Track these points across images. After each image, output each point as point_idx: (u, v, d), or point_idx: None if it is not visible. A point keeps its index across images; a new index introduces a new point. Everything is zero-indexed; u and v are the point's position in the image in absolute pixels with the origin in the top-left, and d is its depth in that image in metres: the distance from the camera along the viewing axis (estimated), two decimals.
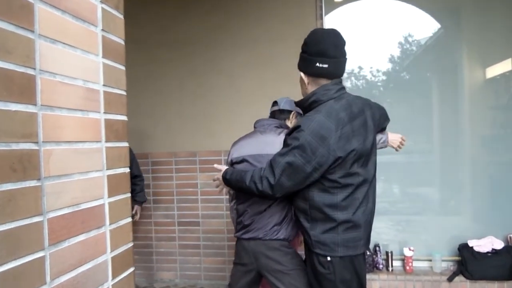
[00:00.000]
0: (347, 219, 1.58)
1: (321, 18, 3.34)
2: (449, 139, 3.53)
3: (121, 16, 1.03)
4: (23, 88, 0.70)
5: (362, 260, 1.69)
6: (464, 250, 3.17)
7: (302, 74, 1.68)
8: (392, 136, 1.98)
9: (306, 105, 1.67)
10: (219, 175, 1.82)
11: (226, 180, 1.77)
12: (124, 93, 1.04)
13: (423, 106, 3.58)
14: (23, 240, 0.68)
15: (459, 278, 3.12)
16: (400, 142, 2.00)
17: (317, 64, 1.59)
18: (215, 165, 1.90)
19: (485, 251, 3.11)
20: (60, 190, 0.78)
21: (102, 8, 0.94)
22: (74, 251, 0.82)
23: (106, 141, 0.94)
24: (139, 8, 3.65)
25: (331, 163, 1.52)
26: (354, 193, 1.59)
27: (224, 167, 1.84)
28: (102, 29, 0.93)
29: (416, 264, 3.31)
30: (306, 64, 1.65)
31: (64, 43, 0.80)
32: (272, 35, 3.44)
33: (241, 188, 1.71)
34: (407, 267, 3.24)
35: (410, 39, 3.62)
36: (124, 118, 1.03)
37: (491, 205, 3.41)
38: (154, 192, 3.65)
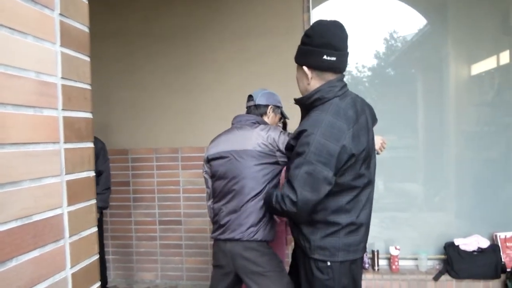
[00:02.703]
0: (350, 222, 1.50)
1: (308, 11, 3.24)
2: (434, 135, 3.51)
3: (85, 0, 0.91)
4: None
5: (360, 264, 1.64)
6: (450, 248, 3.14)
7: (305, 68, 1.54)
8: (375, 138, 1.90)
9: (308, 103, 1.55)
10: None
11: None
12: (89, 87, 0.92)
13: (408, 102, 3.55)
14: None
15: (445, 277, 3.10)
16: (381, 144, 1.91)
17: (325, 57, 1.47)
18: None
19: (471, 250, 3.09)
20: (5, 201, 0.66)
21: None
22: (24, 270, 0.70)
23: (65, 141, 0.82)
24: None
25: (345, 161, 1.43)
26: (359, 195, 1.52)
27: None
28: (60, 14, 0.81)
29: (402, 263, 3.27)
30: (311, 57, 1.51)
31: (10, 28, 0.68)
32: (258, 28, 3.33)
33: (271, 209, 1.67)
34: (393, 266, 3.20)
35: (396, 35, 3.57)
36: (89, 115, 0.92)
37: (477, 203, 3.39)
38: (134, 190, 3.51)
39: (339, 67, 1.52)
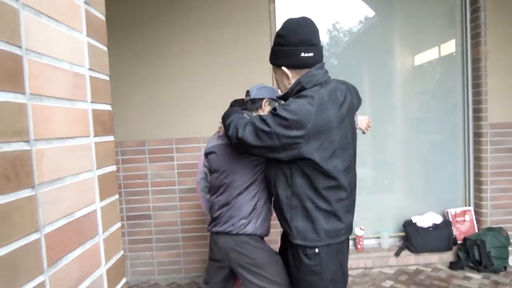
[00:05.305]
0: (327, 209, 1.54)
1: (273, 2, 3.27)
2: (381, 121, 3.62)
3: None
4: (10, 73, 0.54)
5: (346, 250, 1.68)
6: (409, 226, 3.39)
7: (285, 68, 1.55)
8: (361, 118, 1.93)
9: (292, 95, 1.56)
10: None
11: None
12: (108, 78, 0.89)
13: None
14: (20, 266, 0.54)
15: (405, 252, 3.35)
16: (367, 124, 1.95)
17: (303, 54, 1.50)
18: None
19: (427, 226, 3.36)
20: (54, 198, 0.64)
21: None
22: (72, 269, 0.68)
23: (95, 135, 0.80)
24: None
25: (303, 154, 1.43)
26: (337, 181, 1.53)
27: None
28: (85, 2, 0.78)
29: (366, 242, 3.48)
30: (288, 56, 1.53)
31: (48, 16, 0.65)
32: (224, 18, 3.28)
33: (224, 125, 1.68)
34: (359, 246, 3.39)
35: (340, 26, 3.68)
36: (109, 108, 0.89)
37: (427, 183, 3.67)
38: None
39: (317, 61, 1.55)
